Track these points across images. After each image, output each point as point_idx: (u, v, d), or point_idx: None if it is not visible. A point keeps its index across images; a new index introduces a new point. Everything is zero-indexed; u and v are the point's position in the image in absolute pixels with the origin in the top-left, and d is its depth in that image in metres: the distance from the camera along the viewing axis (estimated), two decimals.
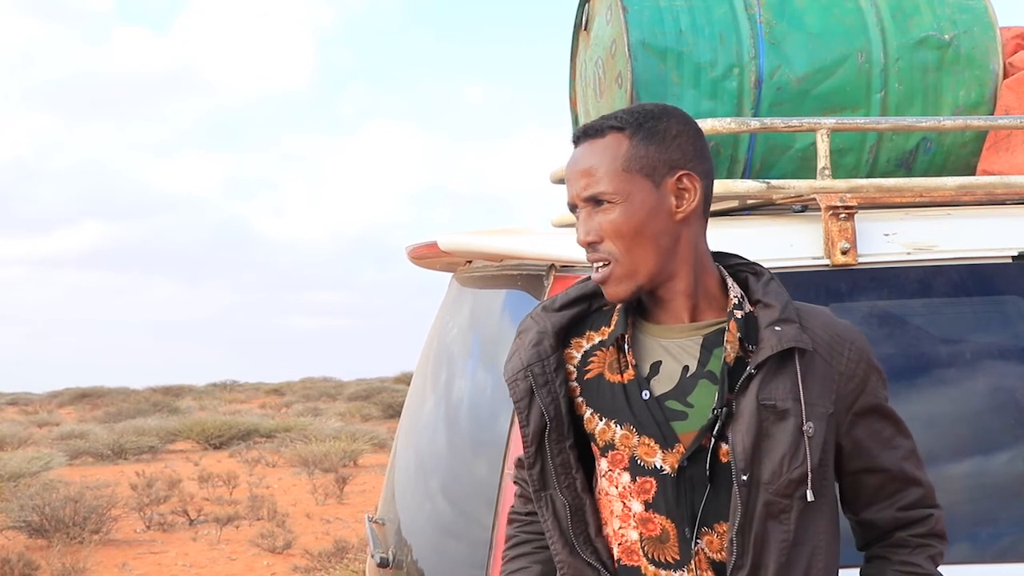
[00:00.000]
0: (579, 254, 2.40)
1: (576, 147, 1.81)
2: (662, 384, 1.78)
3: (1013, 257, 2.49)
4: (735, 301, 1.79)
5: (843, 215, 2.42)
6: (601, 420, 1.80)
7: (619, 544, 1.79)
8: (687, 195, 1.78)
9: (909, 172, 2.99)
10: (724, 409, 1.73)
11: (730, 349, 1.75)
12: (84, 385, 35.91)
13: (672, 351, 1.80)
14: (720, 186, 2.45)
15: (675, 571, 1.74)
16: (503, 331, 2.78)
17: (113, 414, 25.66)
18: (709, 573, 1.73)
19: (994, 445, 2.45)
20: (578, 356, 1.85)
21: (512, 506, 2.05)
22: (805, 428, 1.72)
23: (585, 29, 3.27)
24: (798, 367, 1.74)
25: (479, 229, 2.70)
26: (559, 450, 1.80)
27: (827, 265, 2.42)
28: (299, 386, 37.45)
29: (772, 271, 1.87)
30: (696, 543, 1.73)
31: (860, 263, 2.43)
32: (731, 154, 2.88)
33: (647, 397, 1.77)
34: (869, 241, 2.44)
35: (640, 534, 1.76)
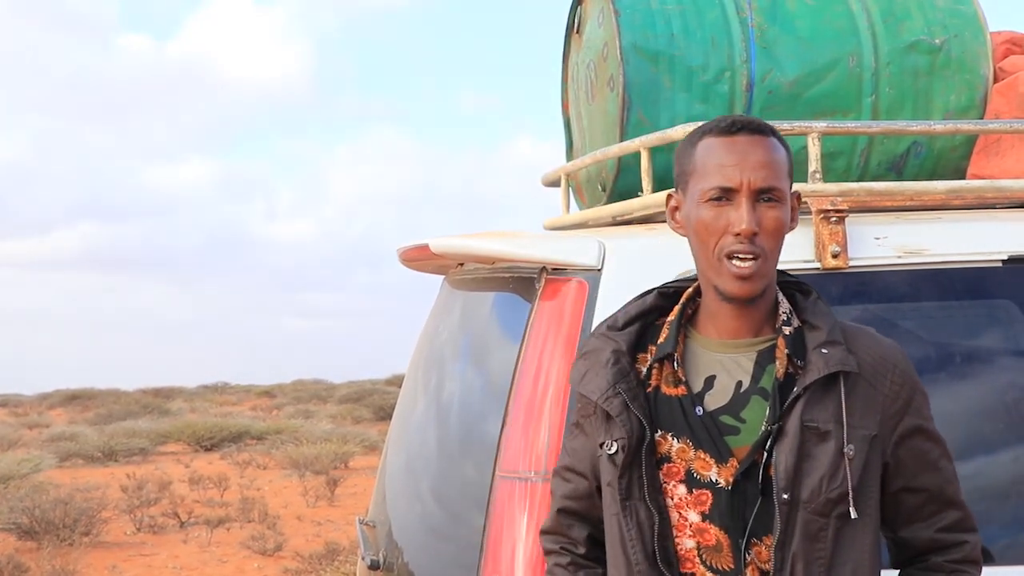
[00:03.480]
0: (570, 257, 2.40)
1: (732, 136, 1.81)
2: (716, 399, 1.83)
3: (1003, 261, 2.49)
4: (783, 317, 1.84)
5: (834, 219, 2.42)
6: (657, 432, 1.83)
7: (676, 552, 1.82)
8: (795, 214, 1.88)
9: (900, 176, 2.99)
10: (776, 426, 1.77)
11: (779, 366, 1.80)
12: (74, 387, 35.81)
13: (727, 366, 1.84)
14: None
15: None
16: (494, 333, 2.78)
17: (103, 416, 25.58)
18: None
19: (985, 448, 2.46)
20: (644, 371, 1.88)
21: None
22: (846, 450, 1.76)
23: (577, 32, 3.27)
24: (842, 390, 1.78)
25: (471, 232, 2.70)
26: (650, 462, 1.82)
27: (818, 268, 2.42)
28: (290, 388, 37.36)
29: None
30: (748, 554, 1.77)
31: (851, 267, 2.43)
32: None
33: (700, 413, 1.81)
34: (860, 245, 2.44)
35: (697, 543, 1.80)
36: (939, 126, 2.70)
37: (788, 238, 2.42)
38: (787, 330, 1.82)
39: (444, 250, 2.61)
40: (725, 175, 1.78)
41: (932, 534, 1.89)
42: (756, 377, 1.82)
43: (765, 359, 1.83)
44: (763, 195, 1.78)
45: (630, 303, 1.97)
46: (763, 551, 1.77)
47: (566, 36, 3.35)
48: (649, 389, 1.86)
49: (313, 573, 9.15)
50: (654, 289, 1.98)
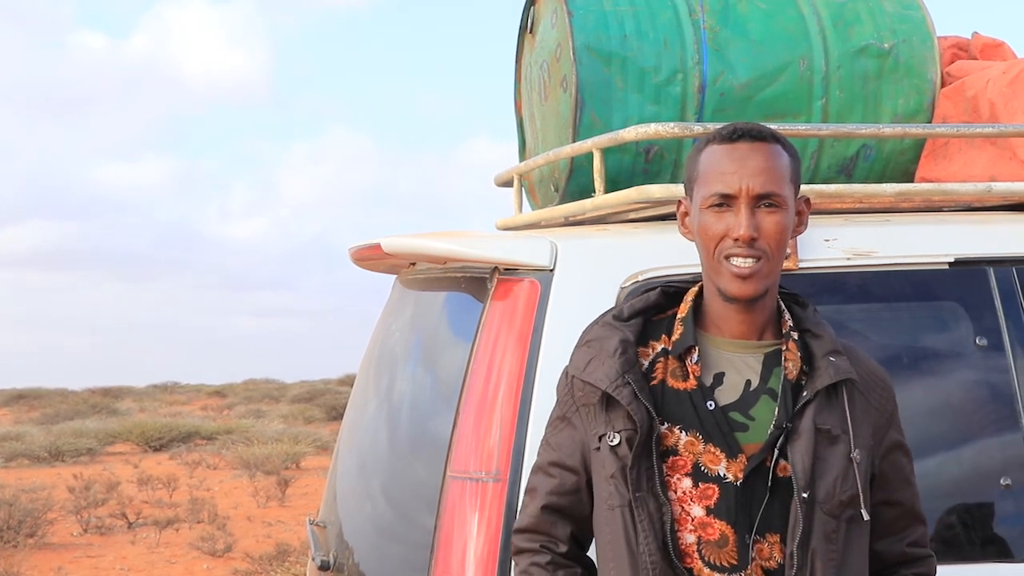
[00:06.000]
0: (522, 257, 2.40)
1: (732, 144, 1.86)
2: (726, 395, 1.86)
3: (950, 263, 2.52)
4: (790, 323, 1.90)
5: None
6: (663, 425, 1.84)
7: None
8: (803, 218, 1.93)
9: (849, 178, 3.02)
10: (788, 425, 1.81)
11: (792, 367, 1.85)
12: (21, 386, 35.28)
13: (736, 364, 1.88)
14: (662, 191, 2.46)
15: (731, 575, 1.80)
16: (445, 334, 2.77)
17: (50, 416, 25.19)
18: None
19: (929, 448, 2.48)
20: (646, 364, 1.90)
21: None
22: (853, 455, 1.82)
23: (530, 32, 3.27)
24: (845, 398, 1.85)
25: (423, 231, 2.68)
26: (659, 453, 1.83)
27: None
28: (241, 388, 37.06)
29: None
30: (752, 550, 1.80)
31: (800, 268, 2.45)
32: (674, 159, 2.90)
33: (712, 407, 1.84)
34: (809, 246, 2.46)
35: (699, 538, 1.81)
36: (888, 129, 2.73)
37: None
38: (795, 335, 1.88)
39: (396, 250, 2.60)
40: (724, 182, 1.84)
41: (903, 548, 1.96)
42: (764, 378, 1.86)
43: (771, 361, 1.88)
44: (762, 200, 1.83)
45: (634, 298, 1.99)
46: (765, 548, 1.80)
47: (519, 36, 3.35)
48: (654, 382, 1.87)
49: (263, 574, 9.09)
50: (657, 287, 2.00)
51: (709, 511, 1.81)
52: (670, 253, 2.35)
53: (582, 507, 1.93)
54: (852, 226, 2.55)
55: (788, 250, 2.42)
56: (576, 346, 1.97)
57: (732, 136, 1.86)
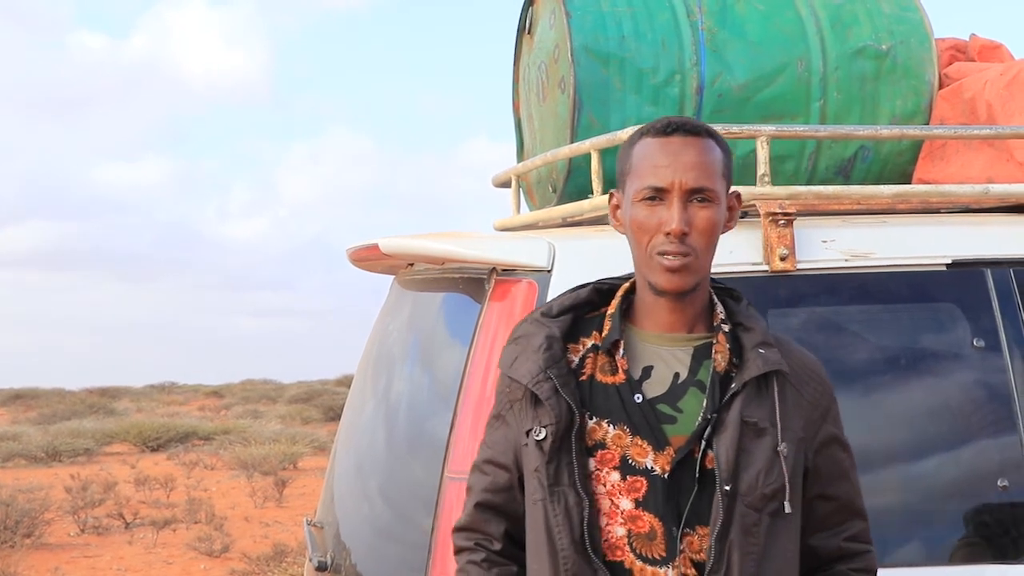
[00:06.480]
0: (520, 258, 2.40)
1: (666, 137, 1.85)
2: (654, 388, 1.85)
3: (947, 265, 2.53)
4: (721, 316, 1.89)
5: (782, 222, 2.44)
6: (592, 419, 1.84)
7: (604, 540, 1.82)
8: (733, 213, 1.92)
9: (847, 180, 3.03)
10: (714, 416, 1.80)
11: (720, 359, 1.85)
12: (18, 386, 35.27)
13: (664, 357, 1.87)
14: None
15: (661, 567, 1.79)
16: (443, 334, 2.77)
17: (48, 415, 25.18)
18: (692, 570, 1.79)
19: (927, 449, 2.49)
20: (576, 360, 1.90)
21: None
22: (780, 448, 1.81)
23: (529, 33, 3.27)
24: (775, 390, 1.84)
25: (421, 232, 2.69)
26: (580, 449, 1.83)
27: (766, 271, 2.44)
28: (239, 388, 37.07)
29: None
30: (681, 543, 1.79)
31: (798, 269, 2.45)
32: None
33: (640, 400, 1.83)
34: (807, 248, 2.47)
35: (629, 530, 1.81)
36: (885, 131, 2.73)
37: (738, 241, 2.45)
38: (726, 327, 1.87)
39: (394, 250, 2.60)
40: (657, 175, 1.83)
41: (840, 543, 1.94)
42: (693, 370, 1.86)
43: (701, 354, 1.87)
44: (695, 195, 1.82)
45: (564, 294, 1.99)
46: (695, 541, 1.79)
47: (517, 37, 3.35)
48: (583, 377, 1.87)
49: (260, 574, 9.09)
50: (590, 283, 1.99)
51: (638, 504, 1.81)
52: None
53: (515, 505, 1.94)
54: (850, 227, 2.55)
55: (785, 251, 2.43)
56: (507, 344, 1.98)
57: (666, 130, 1.86)
